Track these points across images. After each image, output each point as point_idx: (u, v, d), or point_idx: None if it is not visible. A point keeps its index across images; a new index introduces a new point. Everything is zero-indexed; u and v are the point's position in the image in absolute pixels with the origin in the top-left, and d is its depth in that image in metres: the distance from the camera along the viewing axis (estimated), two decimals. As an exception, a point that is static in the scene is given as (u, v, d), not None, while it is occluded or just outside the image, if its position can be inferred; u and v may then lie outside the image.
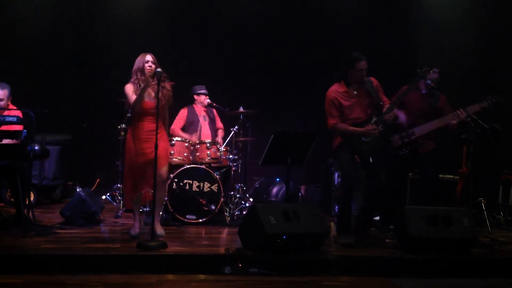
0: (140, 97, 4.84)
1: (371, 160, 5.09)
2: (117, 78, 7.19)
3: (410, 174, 6.38)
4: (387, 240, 5.22)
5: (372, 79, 5.26)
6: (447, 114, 5.50)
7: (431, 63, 5.39)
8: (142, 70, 4.88)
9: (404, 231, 4.86)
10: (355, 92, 5.18)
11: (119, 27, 7.71)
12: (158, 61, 4.98)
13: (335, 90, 5.20)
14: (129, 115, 6.45)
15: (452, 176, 6.63)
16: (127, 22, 7.72)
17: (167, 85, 4.98)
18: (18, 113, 5.40)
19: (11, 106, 5.55)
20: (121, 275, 4.25)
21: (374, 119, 5.12)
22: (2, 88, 5.42)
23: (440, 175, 6.68)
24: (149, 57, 4.94)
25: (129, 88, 4.95)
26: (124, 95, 5.03)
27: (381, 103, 5.19)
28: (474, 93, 6.99)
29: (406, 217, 4.86)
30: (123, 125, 6.49)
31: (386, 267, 4.64)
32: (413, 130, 5.46)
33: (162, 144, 4.92)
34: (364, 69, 5.11)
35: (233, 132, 6.40)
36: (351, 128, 5.10)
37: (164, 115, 5.09)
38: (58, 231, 5.19)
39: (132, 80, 4.95)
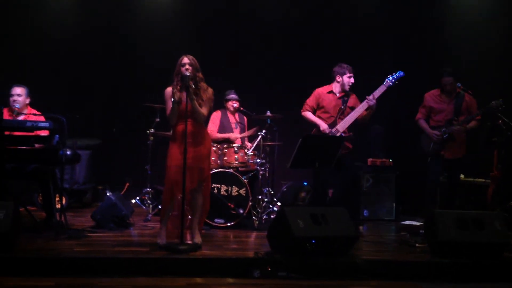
0: (172, 111, 4.80)
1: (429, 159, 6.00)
2: (146, 82, 7.37)
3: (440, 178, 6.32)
4: (417, 245, 5.16)
5: (467, 96, 5.97)
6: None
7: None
8: (178, 73, 4.82)
9: (434, 235, 4.79)
10: (446, 99, 5.99)
11: (147, 32, 7.79)
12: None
13: (432, 93, 6.13)
14: (158, 119, 6.56)
15: (483, 180, 6.53)
16: (155, 27, 7.81)
17: (204, 85, 4.89)
18: (42, 118, 5.53)
19: (31, 110, 5.68)
20: (150, 278, 4.28)
21: (443, 129, 5.86)
22: (19, 86, 5.61)
23: (471, 179, 6.60)
24: (186, 60, 4.82)
25: (168, 93, 4.86)
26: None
27: (456, 118, 5.91)
28: (503, 94, 6.91)
29: (436, 221, 4.79)
30: (152, 130, 6.56)
31: (416, 272, 4.58)
32: (336, 129, 5.87)
33: (202, 147, 4.88)
34: (447, 84, 5.95)
35: (260, 136, 6.41)
36: (424, 126, 6.07)
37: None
38: (89, 234, 5.26)
39: (173, 83, 4.87)
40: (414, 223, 6.49)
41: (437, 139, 5.92)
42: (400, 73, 5.89)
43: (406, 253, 4.99)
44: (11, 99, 5.57)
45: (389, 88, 5.87)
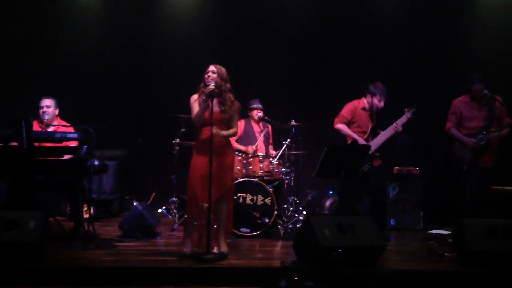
0: (199, 114, 4.82)
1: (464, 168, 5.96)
2: (172, 93, 7.43)
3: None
4: (445, 254, 5.09)
5: (498, 99, 5.96)
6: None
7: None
8: (203, 80, 4.88)
9: (463, 245, 4.72)
10: (476, 106, 6.01)
11: (173, 42, 7.89)
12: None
13: (461, 100, 6.13)
14: (183, 130, 6.62)
15: (514, 188, 6.42)
16: (181, 38, 7.89)
17: (231, 96, 4.92)
18: (71, 129, 5.62)
19: (60, 121, 5.78)
20: (177, 287, 4.31)
21: (479, 136, 5.87)
22: (48, 98, 5.75)
23: (501, 187, 6.50)
24: (211, 67, 4.88)
25: (193, 99, 4.91)
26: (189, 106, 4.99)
27: (492, 124, 5.93)
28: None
29: (466, 230, 4.73)
30: (178, 140, 6.61)
31: (445, 282, 4.52)
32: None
33: (226, 157, 4.92)
34: (477, 91, 5.95)
35: (285, 145, 6.41)
36: (459, 135, 6.02)
37: (229, 128, 4.97)
38: (117, 244, 5.33)
39: (199, 91, 4.91)
40: (442, 232, 6.41)
41: (474, 147, 5.88)
42: (413, 109, 5.90)
43: (434, 262, 4.92)
44: (41, 111, 5.69)
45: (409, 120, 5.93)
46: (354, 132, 5.97)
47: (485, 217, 5.66)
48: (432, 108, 7.05)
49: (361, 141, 5.89)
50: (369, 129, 5.97)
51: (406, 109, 5.92)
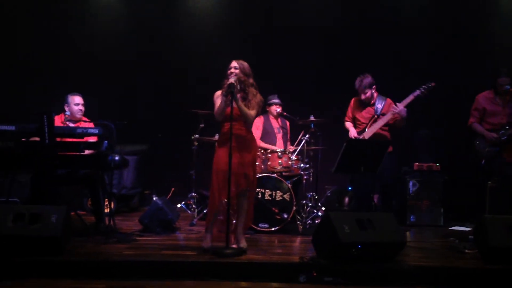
0: (221, 109, 4.81)
1: (483, 162, 5.99)
2: (191, 89, 7.48)
3: (489, 182, 6.17)
4: (466, 251, 5.05)
5: None
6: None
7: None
8: (226, 76, 4.87)
9: (484, 241, 4.68)
10: (500, 101, 6.03)
11: (194, 38, 7.94)
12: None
13: (484, 95, 6.13)
14: (202, 125, 6.65)
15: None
16: (201, 34, 7.94)
17: (253, 91, 4.91)
18: (91, 124, 5.68)
19: (82, 117, 5.83)
20: (196, 281, 4.33)
21: (502, 131, 5.88)
22: (78, 95, 5.80)
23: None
24: (233, 63, 4.89)
25: (216, 95, 4.92)
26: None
27: None
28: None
29: (487, 226, 4.68)
30: (197, 135, 6.64)
31: (466, 278, 4.47)
32: (363, 136, 5.95)
33: (248, 153, 4.90)
34: (503, 85, 5.91)
35: (304, 141, 6.40)
36: (480, 129, 6.00)
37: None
38: (137, 238, 5.37)
39: (223, 87, 4.88)
40: (463, 228, 6.35)
41: (495, 141, 5.84)
42: (429, 84, 5.77)
43: (455, 259, 4.88)
44: (77, 108, 5.72)
45: (418, 98, 5.78)
46: (356, 125, 6.14)
47: (507, 214, 5.58)
48: (454, 104, 6.98)
49: (350, 133, 6.02)
50: (369, 120, 5.96)
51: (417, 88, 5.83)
